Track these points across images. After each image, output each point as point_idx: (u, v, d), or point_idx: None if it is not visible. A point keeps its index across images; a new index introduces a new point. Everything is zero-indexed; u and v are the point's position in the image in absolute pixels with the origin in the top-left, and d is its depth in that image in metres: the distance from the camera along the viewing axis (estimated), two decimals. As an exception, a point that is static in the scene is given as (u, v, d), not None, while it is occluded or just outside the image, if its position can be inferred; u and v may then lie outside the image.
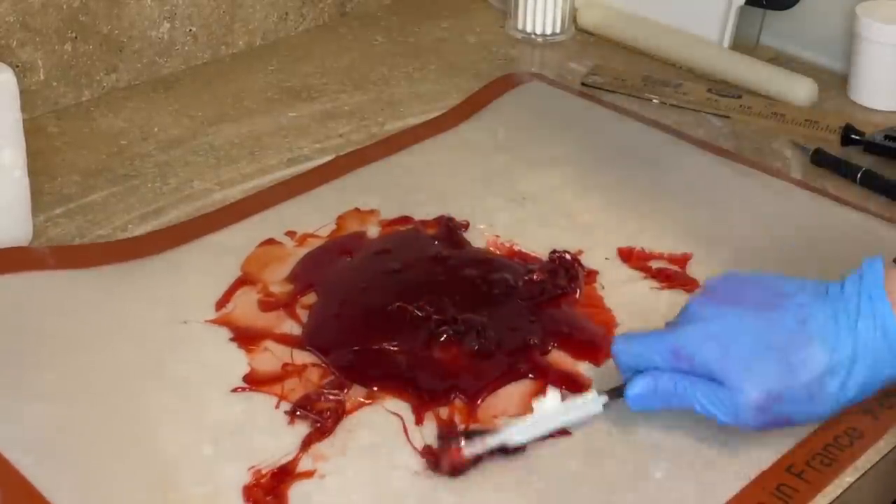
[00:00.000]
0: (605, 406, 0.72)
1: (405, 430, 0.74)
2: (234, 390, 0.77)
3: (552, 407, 0.72)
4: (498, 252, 0.90)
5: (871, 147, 1.05)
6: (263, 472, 0.71)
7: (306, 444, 0.73)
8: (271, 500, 0.69)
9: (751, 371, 0.68)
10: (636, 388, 0.71)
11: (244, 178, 0.99)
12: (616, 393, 0.73)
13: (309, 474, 0.71)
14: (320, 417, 0.74)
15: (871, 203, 0.98)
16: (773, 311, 0.69)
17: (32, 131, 0.94)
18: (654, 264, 0.89)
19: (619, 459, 0.73)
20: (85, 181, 0.98)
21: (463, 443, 0.71)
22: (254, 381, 0.77)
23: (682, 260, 0.89)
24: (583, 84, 1.15)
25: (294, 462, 0.72)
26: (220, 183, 0.98)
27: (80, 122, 1.06)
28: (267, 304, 0.84)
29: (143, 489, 0.69)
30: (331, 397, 0.76)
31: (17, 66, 1.02)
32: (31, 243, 0.89)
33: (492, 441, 0.71)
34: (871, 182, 1.00)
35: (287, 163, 1.01)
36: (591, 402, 0.73)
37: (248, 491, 0.70)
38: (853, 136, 1.06)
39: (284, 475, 0.71)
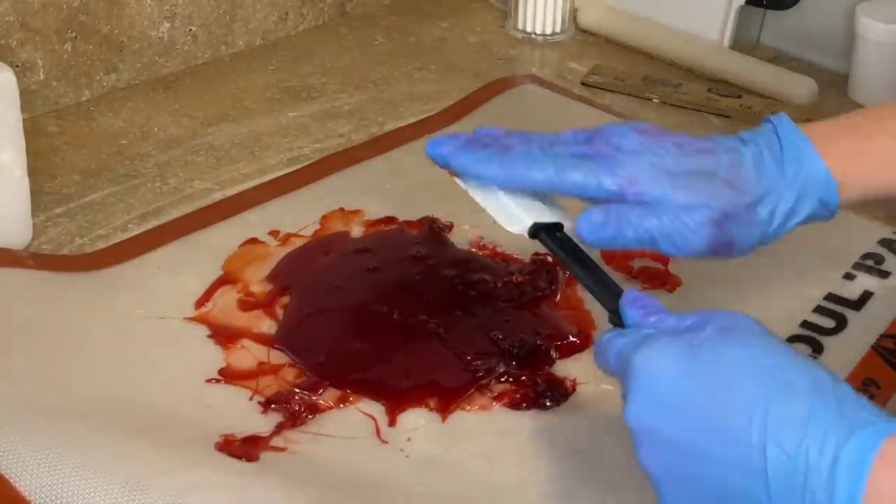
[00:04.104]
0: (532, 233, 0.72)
1: (377, 432, 0.74)
2: (209, 381, 0.77)
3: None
4: (480, 253, 0.90)
5: (871, 147, 1.05)
6: (236, 436, 0.72)
7: (279, 429, 0.74)
8: (243, 456, 0.70)
9: (706, 191, 0.70)
10: (590, 216, 0.70)
11: (244, 178, 0.99)
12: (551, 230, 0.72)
13: (281, 449, 0.72)
14: (293, 409, 0.75)
15: (872, 203, 0.98)
16: (707, 153, 0.72)
17: (32, 131, 0.94)
18: (637, 263, 0.89)
19: (617, 457, 0.73)
20: (85, 181, 0.98)
21: None
22: (229, 376, 0.78)
23: (665, 257, 0.89)
24: (583, 84, 1.15)
25: (266, 437, 0.73)
26: (220, 183, 0.98)
27: (80, 122, 1.06)
28: (246, 304, 0.84)
29: (108, 469, 0.68)
30: (304, 397, 0.76)
31: (17, 66, 1.02)
32: (31, 243, 0.89)
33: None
34: (872, 182, 1.00)
35: (287, 163, 1.01)
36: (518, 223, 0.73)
37: (219, 446, 0.71)
38: (853, 135, 1.06)
39: (256, 441, 0.72)
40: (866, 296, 0.87)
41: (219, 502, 0.67)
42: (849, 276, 0.89)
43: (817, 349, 0.82)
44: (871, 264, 0.90)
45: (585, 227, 0.71)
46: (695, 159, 0.71)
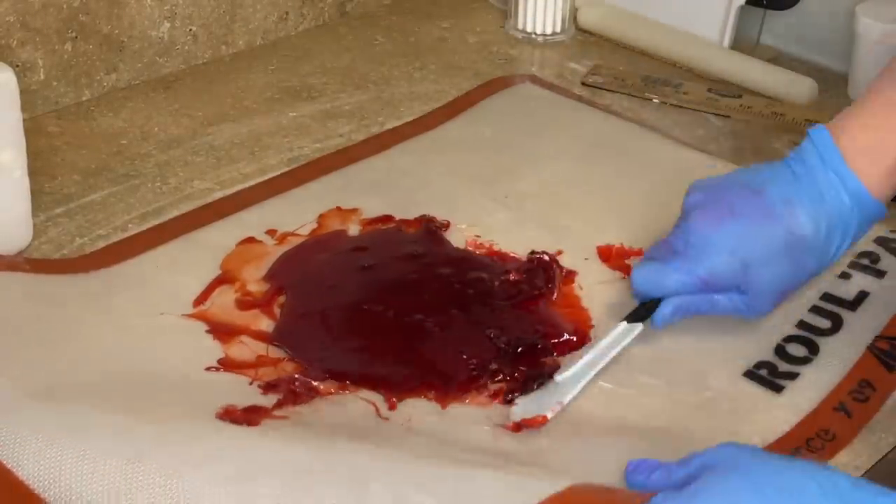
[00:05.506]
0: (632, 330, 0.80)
1: (377, 413, 0.75)
2: (208, 369, 0.77)
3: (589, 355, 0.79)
4: (477, 252, 0.90)
5: (871, 147, 1.05)
6: (238, 407, 0.72)
7: (279, 405, 0.74)
8: (244, 422, 0.71)
9: (770, 280, 0.78)
10: (666, 313, 0.79)
11: (244, 177, 0.99)
12: (635, 317, 0.80)
13: (283, 417, 0.72)
14: (293, 389, 0.75)
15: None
16: (768, 220, 0.78)
17: (32, 131, 0.94)
18: (633, 262, 0.89)
19: (618, 450, 0.73)
20: (85, 181, 0.98)
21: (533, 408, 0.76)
22: (228, 365, 0.78)
23: None
24: (583, 84, 1.15)
25: (268, 408, 0.73)
26: (220, 183, 0.98)
27: (80, 122, 1.06)
28: (244, 304, 0.84)
29: (106, 448, 0.68)
30: (304, 381, 0.76)
31: (17, 66, 1.02)
32: (31, 243, 0.89)
33: (551, 399, 0.76)
34: (872, 182, 1.00)
35: (287, 162, 1.01)
36: (623, 334, 0.80)
37: (220, 415, 0.71)
38: (853, 135, 1.05)
39: (258, 410, 0.72)
40: (862, 296, 0.87)
41: (220, 472, 0.66)
42: (844, 276, 0.89)
43: (813, 350, 0.82)
44: (867, 263, 0.90)
45: (662, 321, 0.80)
46: (759, 237, 0.78)
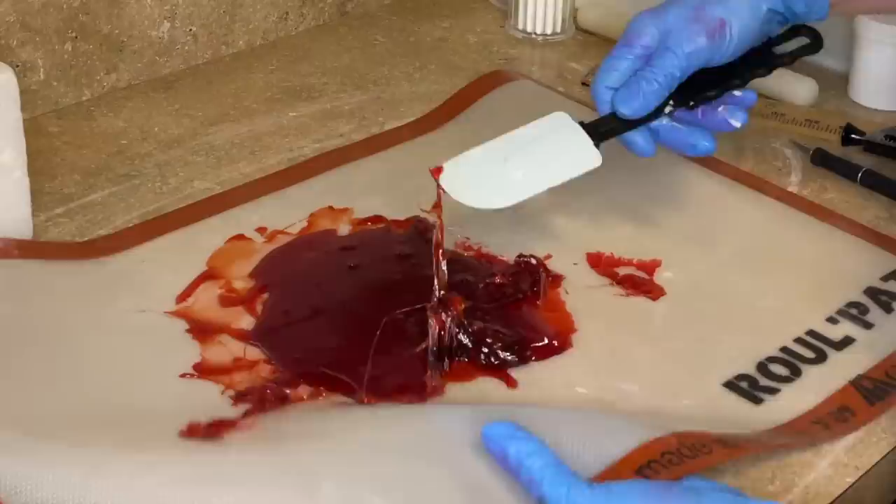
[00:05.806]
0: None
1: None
2: (182, 376, 0.77)
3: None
4: (465, 254, 0.90)
5: (871, 147, 1.05)
6: (202, 423, 0.71)
7: (246, 415, 0.73)
8: (206, 438, 0.70)
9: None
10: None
11: (244, 177, 0.99)
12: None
13: (248, 425, 0.72)
14: (263, 395, 0.74)
15: (872, 203, 0.98)
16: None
17: (32, 131, 0.94)
18: (622, 271, 0.88)
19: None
20: (85, 181, 0.98)
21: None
22: (203, 370, 0.77)
23: (651, 267, 0.89)
24: (583, 84, 1.15)
25: (233, 420, 0.72)
26: (221, 183, 0.98)
27: (80, 122, 1.06)
28: (227, 300, 0.84)
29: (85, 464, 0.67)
30: (276, 389, 0.75)
31: (17, 66, 1.02)
32: (32, 243, 0.89)
33: None
34: (872, 182, 1.00)
35: (287, 163, 1.01)
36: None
37: (183, 434, 0.70)
38: (853, 135, 1.06)
39: (222, 425, 0.71)
40: (848, 340, 0.84)
41: (177, 475, 0.66)
42: (832, 320, 0.85)
43: (795, 372, 0.80)
44: (856, 314, 0.86)
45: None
46: None
